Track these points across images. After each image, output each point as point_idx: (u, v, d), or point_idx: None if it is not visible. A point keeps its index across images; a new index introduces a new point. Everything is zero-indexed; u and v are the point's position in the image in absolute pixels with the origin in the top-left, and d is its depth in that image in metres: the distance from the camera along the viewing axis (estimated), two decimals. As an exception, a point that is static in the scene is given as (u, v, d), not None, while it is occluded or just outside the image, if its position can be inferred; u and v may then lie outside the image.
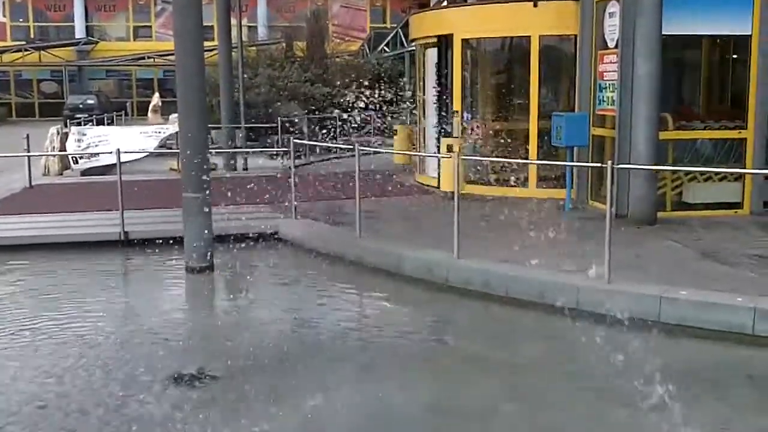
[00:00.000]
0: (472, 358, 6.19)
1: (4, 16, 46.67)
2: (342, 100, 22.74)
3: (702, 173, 10.41)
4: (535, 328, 6.93)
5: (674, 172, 10.39)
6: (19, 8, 46.67)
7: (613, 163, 7.74)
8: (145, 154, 16.32)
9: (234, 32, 18.74)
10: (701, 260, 8.10)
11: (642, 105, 9.72)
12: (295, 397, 5.33)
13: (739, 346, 6.29)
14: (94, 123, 21.74)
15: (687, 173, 10.43)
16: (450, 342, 6.96)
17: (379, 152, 14.73)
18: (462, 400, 5.35)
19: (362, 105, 20.81)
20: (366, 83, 24.74)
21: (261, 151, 18.19)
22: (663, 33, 9.61)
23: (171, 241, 9.26)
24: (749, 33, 10.23)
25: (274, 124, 19.02)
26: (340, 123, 21.32)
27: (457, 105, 12.82)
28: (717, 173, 10.37)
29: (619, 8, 10.16)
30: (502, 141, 12.57)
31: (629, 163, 9.67)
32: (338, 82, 24.42)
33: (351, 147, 10.46)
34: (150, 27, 47.58)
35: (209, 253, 8.75)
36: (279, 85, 23.13)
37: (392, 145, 17.26)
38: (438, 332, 7.13)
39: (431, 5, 35.22)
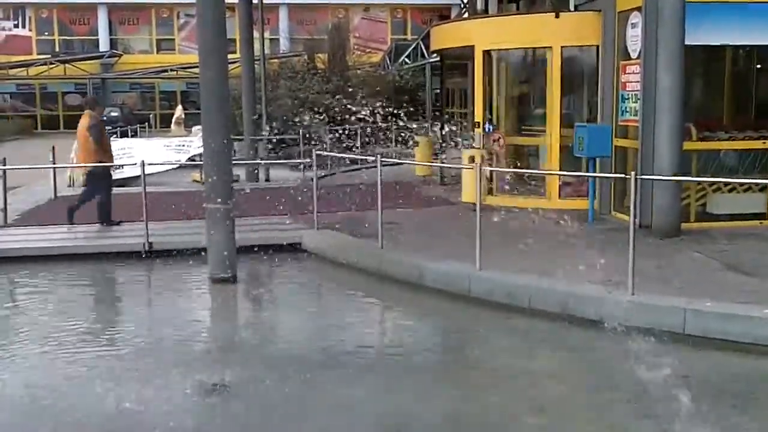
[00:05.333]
0: (493, 370, 6.18)
1: (30, 30, 47.35)
2: (363, 112, 22.81)
3: (726, 184, 10.34)
4: (558, 340, 6.90)
5: (698, 182, 10.32)
6: (45, 22, 47.34)
7: (636, 174, 7.70)
8: (169, 166, 16.46)
9: (256, 45, 18.85)
10: (726, 271, 8.04)
11: (665, 115, 9.68)
12: (316, 408, 5.35)
13: (764, 358, 6.22)
14: (118, 135, 21.94)
15: (711, 184, 10.36)
16: (472, 353, 6.96)
17: (401, 163, 14.74)
18: (484, 411, 5.33)
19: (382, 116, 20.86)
20: (387, 95, 24.84)
21: (283, 163, 18.27)
22: (686, 43, 9.58)
23: (195, 252, 9.33)
24: (774, 43, 10.19)
25: (296, 136, 19.12)
26: (360, 134, 21.38)
27: (478, 116, 12.83)
28: (741, 184, 10.29)
29: (642, 19, 10.13)
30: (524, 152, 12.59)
31: (652, 174, 9.62)
32: (360, 94, 24.51)
33: (373, 158, 10.48)
34: (173, 40, 48.06)
35: (232, 264, 8.79)
36: (301, 97, 23.26)
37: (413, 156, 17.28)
38: (460, 343, 7.13)
39: (452, 17, 35.35)
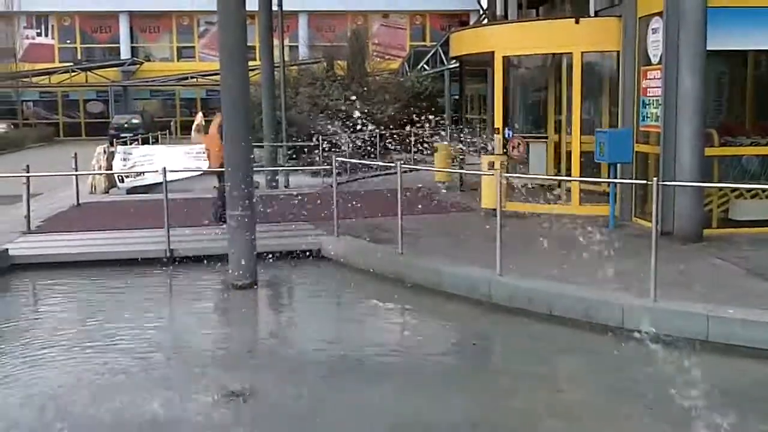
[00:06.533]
0: (513, 375, 6.16)
1: (53, 38, 47.87)
2: (383, 117, 22.85)
3: (749, 190, 10.26)
4: (579, 346, 6.87)
5: (720, 188, 10.24)
6: (67, 30, 47.85)
7: (658, 180, 7.66)
8: (190, 173, 16.53)
9: (276, 52, 18.93)
10: (748, 278, 7.97)
11: (686, 121, 9.62)
12: (335, 411, 5.36)
13: (789, 365, 6.17)
14: (140, 142, 22.12)
15: (733, 190, 10.28)
16: (491, 359, 6.95)
17: (420, 169, 14.74)
18: (503, 416, 5.32)
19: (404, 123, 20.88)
20: (406, 101, 24.85)
21: (303, 169, 18.32)
22: (707, 48, 9.52)
23: (215, 258, 9.38)
24: (797, 47, 10.10)
25: (315, 142, 19.18)
26: (380, 140, 21.41)
27: (498, 122, 12.82)
28: (764, 190, 10.20)
29: (663, 24, 10.09)
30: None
31: (674, 180, 9.56)
32: (378, 100, 24.54)
33: (392, 164, 10.49)
34: (193, 47, 48.42)
35: (253, 270, 8.83)
36: (320, 104, 23.33)
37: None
38: (480, 349, 7.11)
39: (471, 23, 35.30)
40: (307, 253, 10.07)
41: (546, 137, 13.88)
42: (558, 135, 13.70)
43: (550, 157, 13.57)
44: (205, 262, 9.61)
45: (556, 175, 13.01)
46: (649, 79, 10.62)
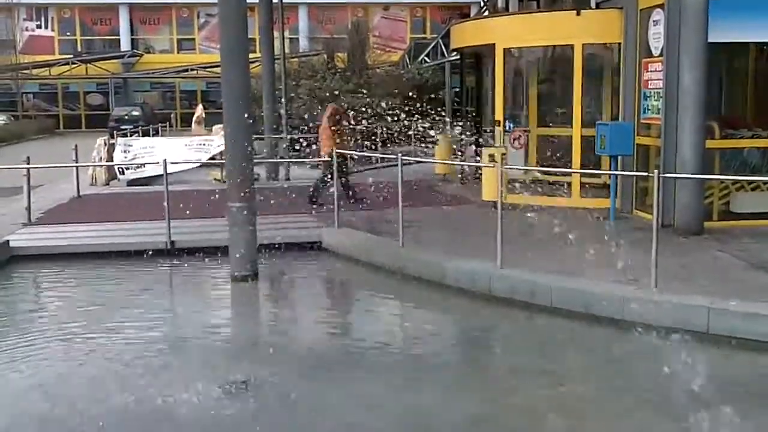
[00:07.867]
0: (516, 370, 6.16)
1: (53, 30, 47.79)
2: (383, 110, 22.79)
3: (750, 182, 10.24)
4: (581, 339, 6.86)
5: (721, 181, 10.23)
6: (67, 22, 47.78)
7: (659, 173, 7.65)
8: (190, 165, 16.53)
9: (276, 44, 18.90)
10: (749, 271, 7.96)
11: (688, 113, 9.60)
12: (337, 405, 5.36)
13: (790, 358, 6.17)
14: (140, 134, 22.11)
15: (734, 182, 10.27)
16: (494, 353, 6.95)
17: (421, 162, 14.73)
18: (505, 411, 5.32)
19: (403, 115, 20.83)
20: (406, 94, 24.80)
21: (303, 161, 18.31)
22: (709, 40, 9.50)
23: (216, 250, 9.38)
24: (798, 39, 10.07)
25: (316, 134, 19.13)
26: (380, 132, 21.38)
27: (499, 114, 12.79)
28: (765, 182, 10.19)
29: (664, 16, 10.06)
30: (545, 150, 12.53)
31: (675, 172, 9.55)
32: (378, 92, 24.50)
33: (393, 157, 10.48)
34: (193, 39, 48.34)
35: (253, 262, 8.83)
36: (320, 96, 23.29)
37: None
38: (482, 343, 7.11)
39: (472, 15, 35.24)
40: (308, 246, 10.06)
41: (528, 129, 13.87)
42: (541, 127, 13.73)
43: (531, 149, 13.56)
44: (206, 253, 9.60)
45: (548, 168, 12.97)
46: (651, 71, 10.60)
